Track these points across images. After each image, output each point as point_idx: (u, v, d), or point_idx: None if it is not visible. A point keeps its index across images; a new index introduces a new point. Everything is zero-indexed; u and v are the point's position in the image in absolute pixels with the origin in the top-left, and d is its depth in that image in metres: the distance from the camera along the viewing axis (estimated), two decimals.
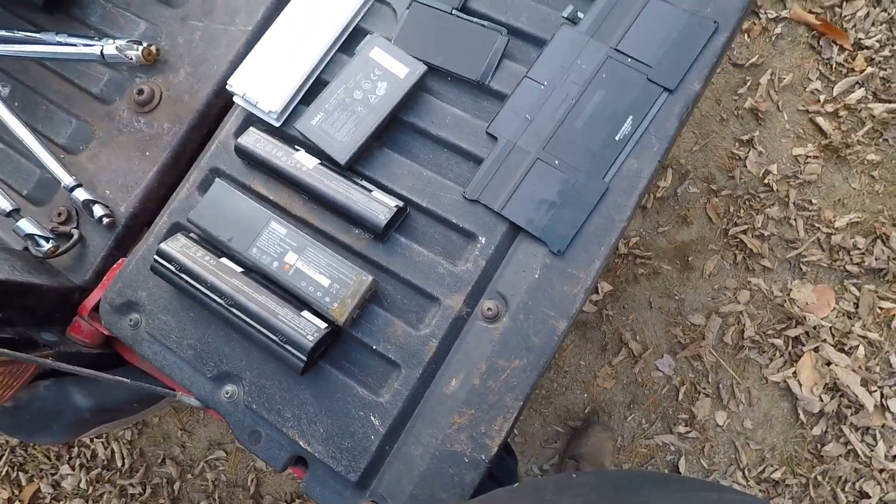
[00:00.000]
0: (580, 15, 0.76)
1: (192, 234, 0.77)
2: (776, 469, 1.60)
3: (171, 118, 0.86)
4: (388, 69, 0.76)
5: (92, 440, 1.82)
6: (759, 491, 1.60)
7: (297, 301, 0.71)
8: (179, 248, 0.74)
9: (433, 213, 0.74)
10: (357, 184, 0.75)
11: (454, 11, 0.79)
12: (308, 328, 0.68)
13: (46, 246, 0.78)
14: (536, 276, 0.69)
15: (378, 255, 0.74)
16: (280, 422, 0.70)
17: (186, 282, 0.72)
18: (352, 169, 0.77)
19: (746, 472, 1.61)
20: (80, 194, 0.81)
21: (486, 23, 0.78)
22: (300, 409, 0.70)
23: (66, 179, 0.81)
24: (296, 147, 0.78)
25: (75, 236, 0.81)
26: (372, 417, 0.68)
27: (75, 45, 0.84)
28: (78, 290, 0.82)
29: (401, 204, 0.73)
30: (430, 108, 0.78)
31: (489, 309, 0.70)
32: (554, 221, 0.69)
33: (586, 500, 0.46)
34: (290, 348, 0.68)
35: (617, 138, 0.70)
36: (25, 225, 0.77)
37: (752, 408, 1.66)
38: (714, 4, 0.72)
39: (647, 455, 1.67)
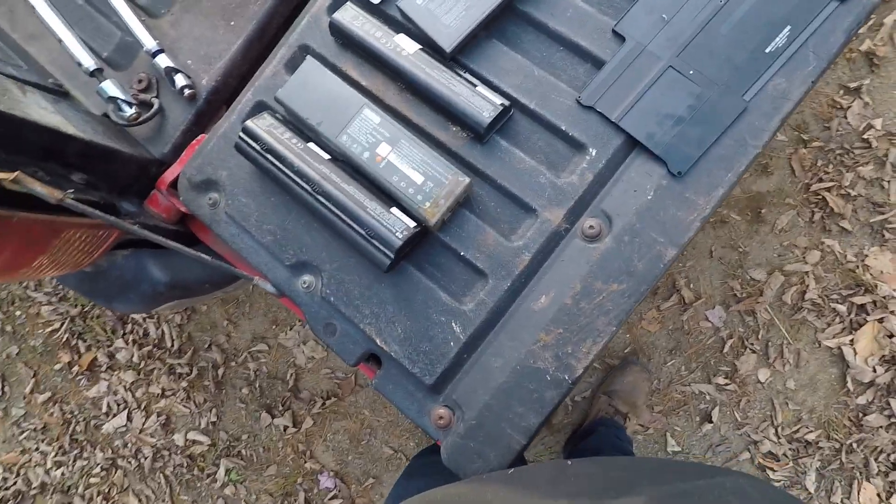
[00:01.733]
0: None
1: (278, 114, 0.73)
2: (811, 431, 1.58)
3: None
4: None
5: (144, 319, 1.91)
6: (789, 449, 1.60)
7: (386, 196, 0.68)
8: (266, 126, 0.70)
9: (540, 116, 0.67)
10: (460, 76, 0.68)
11: None
12: (397, 225, 0.65)
13: (129, 111, 0.75)
14: (649, 197, 0.63)
15: (475, 156, 0.68)
16: (357, 317, 0.69)
17: (271, 163, 0.69)
18: (455, 60, 0.70)
19: (779, 430, 1.60)
20: (163, 60, 0.77)
21: None
22: (379, 307, 0.68)
23: (149, 43, 0.76)
24: (395, 30, 0.71)
25: (156, 106, 0.78)
26: (453, 324, 0.66)
27: None
28: (156, 164, 0.80)
29: (506, 102, 0.67)
30: None
31: (591, 227, 0.65)
32: (678, 139, 0.62)
33: (580, 492, 0.45)
34: (377, 244, 0.65)
35: (767, 51, 0.61)
36: (109, 87, 0.74)
37: (798, 369, 1.62)
38: None
39: (680, 401, 1.67)
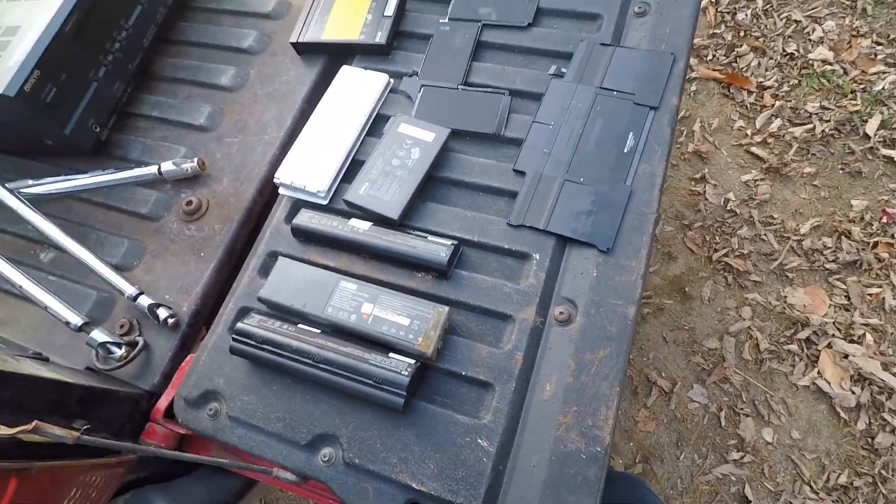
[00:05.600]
0: (563, 70, 0.93)
1: (263, 312, 0.81)
2: (840, 474, 1.58)
3: (221, 220, 0.93)
4: (417, 137, 0.89)
5: None
6: (832, 501, 1.56)
7: (381, 346, 0.74)
8: (256, 323, 0.77)
9: (485, 244, 0.82)
10: (412, 234, 0.83)
11: (459, 87, 0.95)
12: (399, 365, 0.71)
13: (119, 352, 0.79)
14: (595, 274, 0.76)
15: (444, 290, 0.79)
16: (387, 469, 0.69)
17: (270, 351, 0.74)
18: (403, 225, 0.85)
19: (813, 484, 1.58)
20: (144, 301, 0.84)
21: (488, 89, 0.93)
22: (405, 450, 0.70)
23: (129, 290, 0.85)
24: (347, 217, 0.86)
25: (141, 343, 0.83)
26: (479, 440, 0.69)
27: (132, 169, 0.93)
28: (146, 397, 0.81)
29: (455, 242, 0.81)
30: (458, 162, 0.89)
31: (561, 313, 0.75)
32: (595, 226, 0.79)
33: None
34: (387, 388, 0.69)
35: (625, 151, 0.83)
36: (98, 335, 0.79)
37: (793, 417, 1.67)
38: (666, 42, 0.90)
39: (711, 492, 1.62)
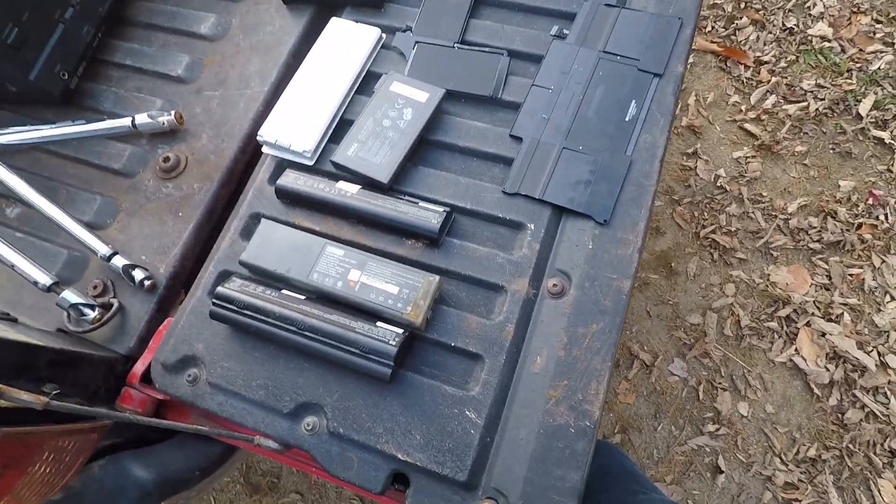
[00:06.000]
0: (565, 31, 0.88)
1: (244, 276, 0.77)
2: (809, 447, 1.63)
3: (200, 178, 0.88)
4: (409, 97, 0.84)
5: None
6: (801, 473, 1.61)
7: (368, 314, 0.72)
8: (237, 287, 0.74)
9: (479, 212, 0.79)
10: (402, 199, 0.79)
11: (455, 45, 0.90)
12: (387, 335, 0.68)
13: (92, 314, 0.75)
14: (590, 247, 0.74)
15: (435, 259, 0.76)
16: (372, 439, 0.67)
17: (252, 317, 0.71)
18: (393, 189, 0.82)
19: (783, 456, 1.63)
20: (119, 261, 0.80)
21: (486, 49, 0.89)
22: (391, 421, 0.68)
23: (103, 249, 0.80)
24: (334, 179, 0.82)
25: (115, 305, 0.79)
26: (467, 412, 0.67)
27: (104, 121, 0.87)
28: (122, 361, 0.78)
29: (447, 209, 0.78)
30: (452, 125, 0.85)
31: (554, 285, 0.73)
32: (593, 196, 0.76)
33: None
34: (374, 357, 0.67)
35: (627, 119, 0.80)
36: (69, 296, 0.75)
37: (768, 392, 1.71)
38: (674, 6, 0.86)
39: (685, 462, 1.66)
